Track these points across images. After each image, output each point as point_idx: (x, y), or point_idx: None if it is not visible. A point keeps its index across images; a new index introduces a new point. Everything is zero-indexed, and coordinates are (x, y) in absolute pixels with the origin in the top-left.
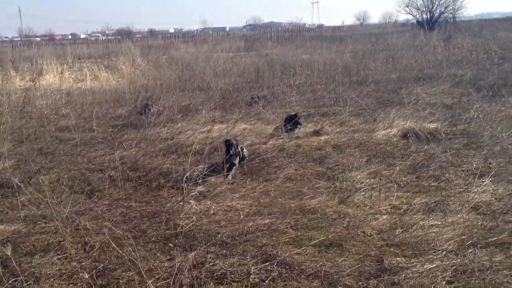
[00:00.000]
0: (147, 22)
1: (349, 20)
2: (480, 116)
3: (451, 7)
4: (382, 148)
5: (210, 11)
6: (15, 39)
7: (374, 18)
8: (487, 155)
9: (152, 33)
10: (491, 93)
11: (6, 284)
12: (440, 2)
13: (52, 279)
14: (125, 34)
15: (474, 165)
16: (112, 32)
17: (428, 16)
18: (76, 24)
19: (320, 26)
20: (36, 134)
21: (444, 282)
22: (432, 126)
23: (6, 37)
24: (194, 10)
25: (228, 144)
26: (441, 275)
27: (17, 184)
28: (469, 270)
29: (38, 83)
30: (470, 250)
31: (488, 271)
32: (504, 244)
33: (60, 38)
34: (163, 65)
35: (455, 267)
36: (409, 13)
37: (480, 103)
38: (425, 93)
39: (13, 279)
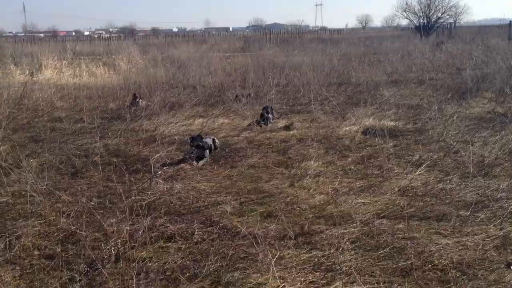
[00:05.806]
0: (151, 20)
1: (353, 24)
2: (437, 116)
3: (448, 13)
4: (341, 142)
5: (214, 11)
6: (19, 34)
7: (377, 22)
8: (430, 149)
9: (155, 31)
10: (449, 95)
11: None
12: (437, 8)
13: (31, 237)
14: (128, 32)
15: (416, 157)
16: (116, 30)
17: (425, 21)
18: (80, 22)
19: (323, 29)
20: (30, 124)
21: (348, 242)
22: (391, 124)
23: (10, 33)
24: (198, 9)
25: (193, 139)
26: (348, 237)
27: (6, 165)
28: (371, 234)
29: (36, 77)
30: (378, 221)
31: (385, 235)
32: (409, 217)
33: (64, 35)
34: (159, 63)
35: (362, 232)
36: (407, 18)
37: (441, 105)
38: (398, 95)
39: None
